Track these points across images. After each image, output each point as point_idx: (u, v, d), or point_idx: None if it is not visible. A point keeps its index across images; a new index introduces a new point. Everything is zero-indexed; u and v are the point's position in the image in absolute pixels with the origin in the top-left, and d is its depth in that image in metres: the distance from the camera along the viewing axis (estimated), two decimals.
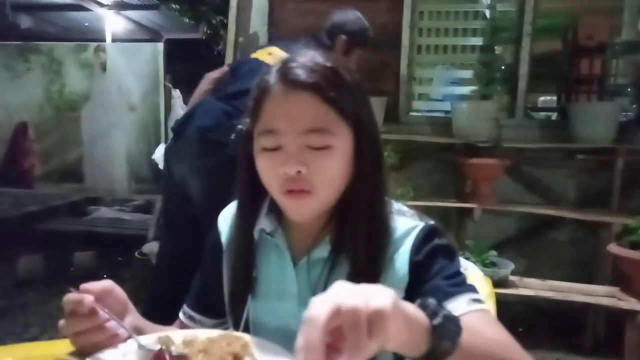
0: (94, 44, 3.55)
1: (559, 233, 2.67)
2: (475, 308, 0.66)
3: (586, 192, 2.64)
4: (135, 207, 4.80)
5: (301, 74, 0.70)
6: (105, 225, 4.33)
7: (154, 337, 0.71)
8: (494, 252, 2.20)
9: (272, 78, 0.72)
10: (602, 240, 2.28)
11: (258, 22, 3.01)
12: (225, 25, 3.13)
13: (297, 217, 0.75)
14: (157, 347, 0.68)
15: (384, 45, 2.82)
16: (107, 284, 0.74)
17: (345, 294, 0.47)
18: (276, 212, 0.80)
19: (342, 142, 0.71)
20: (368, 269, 0.73)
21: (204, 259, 0.90)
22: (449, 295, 0.67)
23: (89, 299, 0.69)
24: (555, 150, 2.64)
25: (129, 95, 3.40)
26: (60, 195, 4.29)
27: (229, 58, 2.87)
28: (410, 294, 0.72)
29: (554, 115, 3.18)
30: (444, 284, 0.69)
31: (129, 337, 0.71)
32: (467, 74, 3.13)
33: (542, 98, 3.90)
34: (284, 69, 0.71)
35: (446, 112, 2.87)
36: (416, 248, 0.73)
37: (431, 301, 0.54)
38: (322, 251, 0.77)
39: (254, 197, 0.79)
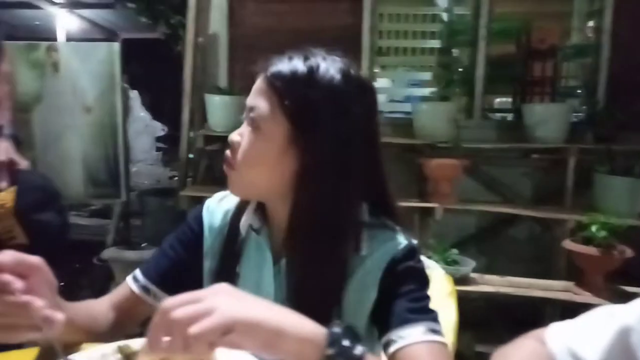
0: (46, 43, 3.40)
1: (517, 230, 2.75)
2: (429, 339, 0.67)
3: (541, 190, 2.73)
4: (93, 212, 4.65)
5: (274, 62, 0.74)
6: None
7: (110, 346, 0.68)
8: (455, 251, 2.24)
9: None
10: (557, 237, 2.36)
11: (217, 22, 2.97)
12: (184, 25, 3.07)
13: (230, 191, 0.79)
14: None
15: (345, 47, 2.82)
16: (33, 259, 0.63)
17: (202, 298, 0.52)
18: (261, 210, 0.80)
19: (272, 128, 0.72)
20: (319, 284, 0.73)
21: (177, 237, 0.88)
22: (407, 321, 0.68)
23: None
24: (511, 150, 2.72)
25: (84, 97, 3.28)
26: None
27: (188, 59, 2.82)
28: (376, 311, 0.73)
29: (509, 116, 3.27)
30: (404, 308, 0.70)
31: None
32: (427, 75, 3.18)
33: (498, 99, 4.01)
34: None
35: (407, 113, 2.91)
36: (392, 266, 0.73)
37: (337, 330, 0.56)
38: None
39: None
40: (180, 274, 0.85)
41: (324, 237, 0.72)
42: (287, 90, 0.71)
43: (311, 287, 0.73)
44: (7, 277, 0.58)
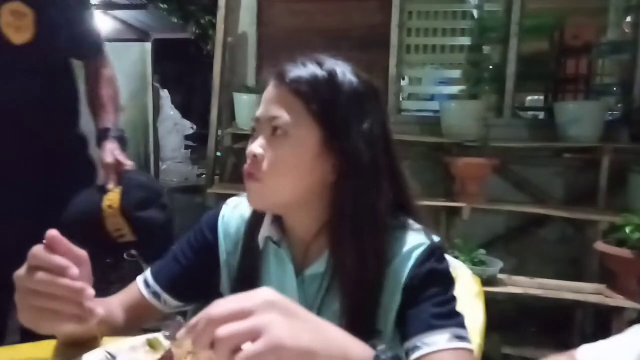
0: None
1: (547, 231, 2.69)
2: (455, 346, 0.66)
3: (574, 191, 2.67)
4: None
5: (289, 69, 0.73)
6: None
7: (140, 339, 0.70)
8: (483, 251, 2.21)
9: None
10: (589, 238, 2.30)
11: (247, 22, 3.01)
12: (214, 26, 3.12)
13: (250, 204, 0.76)
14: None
15: (373, 44, 2.82)
16: (81, 252, 0.64)
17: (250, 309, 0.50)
18: (279, 221, 0.80)
19: (302, 134, 0.71)
20: (359, 293, 0.71)
21: (190, 244, 0.87)
22: (432, 328, 0.67)
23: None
24: (543, 150, 2.66)
25: None
26: None
27: (217, 58, 2.86)
28: (400, 317, 0.72)
29: (541, 115, 3.20)
30: (429, 314, 0.68)
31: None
32: (456, 73, 3.14)
33: (529, 97, 3.93)
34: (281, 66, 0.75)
35: (435, 111, 2.88)
36: (415, 269, 0.72)
37: (384, 358, 0.54)
38: (320, 266, 0.76)
39: None
40: (192, 282, 0.85)
41: (369, 236, 0.72)
42: (313, 95, 0.71)
43: (361, 292, 0.71)
44: (66, 262, 0.59)
